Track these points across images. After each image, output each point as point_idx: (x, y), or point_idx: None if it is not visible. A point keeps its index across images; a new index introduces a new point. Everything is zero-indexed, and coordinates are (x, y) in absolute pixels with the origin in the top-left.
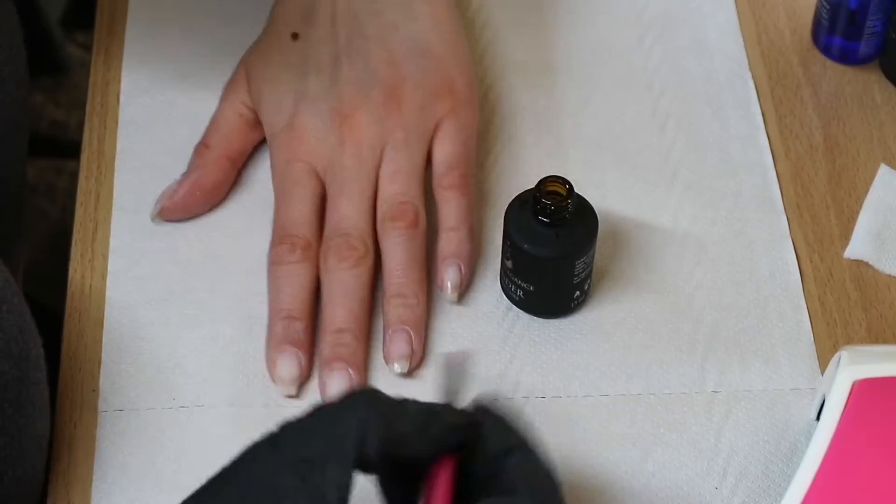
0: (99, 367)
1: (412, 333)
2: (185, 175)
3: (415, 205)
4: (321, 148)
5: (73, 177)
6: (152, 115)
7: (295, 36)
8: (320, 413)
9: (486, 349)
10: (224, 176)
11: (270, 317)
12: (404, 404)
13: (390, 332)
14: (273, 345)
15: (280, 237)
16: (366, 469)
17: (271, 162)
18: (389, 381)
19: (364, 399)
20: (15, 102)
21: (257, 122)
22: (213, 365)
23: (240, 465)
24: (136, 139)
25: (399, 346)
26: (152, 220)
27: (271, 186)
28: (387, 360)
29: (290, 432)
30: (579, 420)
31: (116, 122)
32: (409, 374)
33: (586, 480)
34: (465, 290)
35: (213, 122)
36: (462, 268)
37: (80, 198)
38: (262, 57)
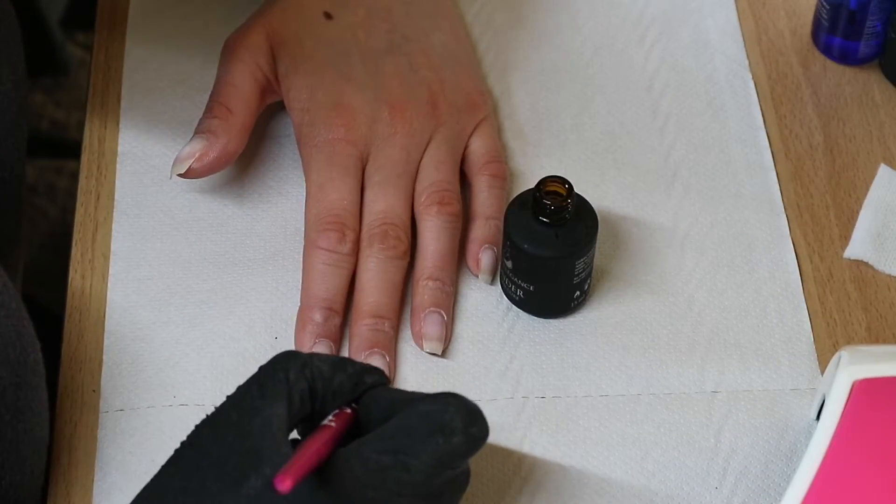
0: (100, 367)
1: (445, 316)
2: (212, 137)
3: (458, 196)
4: (371, 135)
5: (74, 177)
6: (153, 116)
7: (328, 15)
8: (247, 381)
9: (486, 349)
10: (244, 144)
11: (307, 301)
12: (316, 353)
13: (425, 312)
14: (309, 332)
15: (328, 222)
16: (299, 417)
17: (309, 136)
18: (404, 362)
19: (280, 355)
20: (14, 102)
21: (268, 88)
22: (213, 364)
23: (192, 436)
24: (137, 139)
25: (434, 327)
26: (171, 177)
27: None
28: (419, 339)
29: (227, 401)
30: (579, 420)
31: (117, 123)
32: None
33: (586, 480)
34: (494, 276)
35: (228, 82)
36: (497, 253)
37: (80, 198)
38: (293, 29)
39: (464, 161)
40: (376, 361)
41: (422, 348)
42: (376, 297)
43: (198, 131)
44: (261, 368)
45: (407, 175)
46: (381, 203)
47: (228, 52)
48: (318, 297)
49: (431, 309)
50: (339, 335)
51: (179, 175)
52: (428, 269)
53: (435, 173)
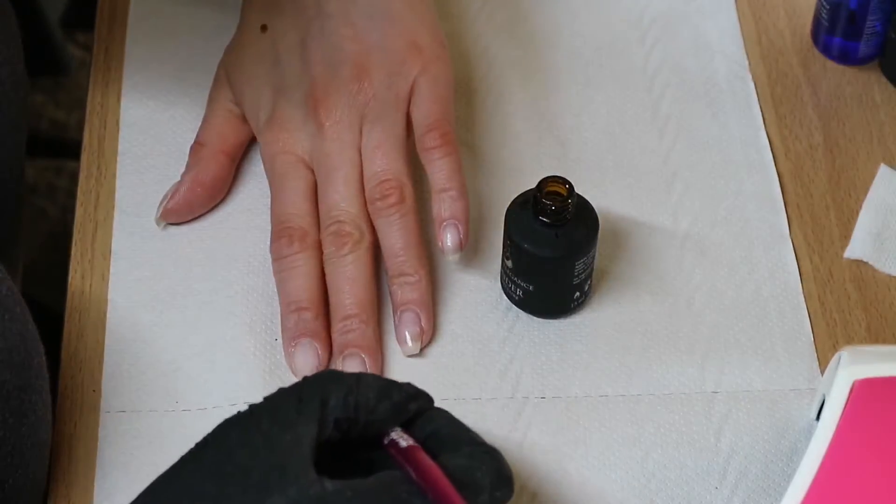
0: (100, 367)
1: (419, 312)
2: (183, 175)
3: (399, 180)
4: (302, 137)
5: (74, 177)
6: (153, 115)
7: (264, 28)
8: (287, 389)
9: (486, 349)
10: (222, 171)
11: (281, 311)
12: (364, 376)
13: (398, 313)
14: (288, 338)
15: (278, 232)
16: (326, 438)
17: (262, 157)
18: (403, 361)
19: (325, 374)
20: (13, 103)
21: (246, 118)
22: (214, 367)
23: (217, 434)
24: (137, 139)
25: (409, 327)
26: (157, 223)
27: (268, 183)
28: (399, 342)
29: (261, 406)
30: (579, 420)
31: (117, 123)
32: (421, 352)
33: (586, 481)
34: (465, 248)
35: (204, 122)
36: (459, 228)
37: (80, 198)
38: (237, 54)
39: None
40: (352, 362)
41: (404, 350)
42: (340, 298)
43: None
44: (305, 380)
45: (345, 165)
46: (325, 203)
47: (208, 99)
48: (286, 303)
49: (402, 308)
50: (315, 328)
51: (163, 219)
52: (390, 267)
53: (370, 164)
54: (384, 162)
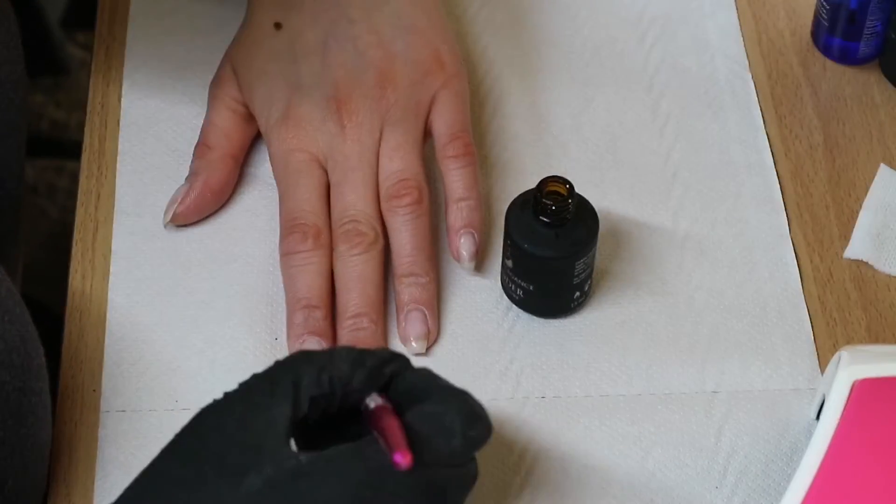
0: (100, 367)
1: (426, 312)
2: (192, 178)
3: (417, 181)
4: (320, 136)
5: (74, 177)
6: (153, 115)
7: (278, 25)
8: (260, 374)
9: (486, 349)
10: (230, 174)
11: (289, 307)
12: (336, 350)
13: (405, 312)
14: (294, 335)
15: (290, 227)
16: (301, 418)
17: (270, 154)
18: None
19: (297, 356)
20: (13, 103)
21: (250, 117)
22: (214, 366)
23: (193, 423)
24: (137, 139)
25: (416, 326)
26: (165, 225)
27: (271, 185)
28: (404, 340)
29: (235, 392)
30: (579, 420)
31: (117, 122)
32: (426, 352)
33: (587, 480)
34: (480, 258)
35: (208, 121)
36: (476, 236)
37: (80, 198)
38: (247, 50)
39: (431, 137)
40: None
41: (409, 350)
42: (349, 296)
43: (186, 179)
44: (276, 364)
45: (363, 167)
46: (340, 202)
47: (208, 95)
48: (295, 299)
49: (410, 307)
50: (324, 327)
51: (173, 223)
52: (400, 266)
53: (388, 163)
54: (403, 162)
